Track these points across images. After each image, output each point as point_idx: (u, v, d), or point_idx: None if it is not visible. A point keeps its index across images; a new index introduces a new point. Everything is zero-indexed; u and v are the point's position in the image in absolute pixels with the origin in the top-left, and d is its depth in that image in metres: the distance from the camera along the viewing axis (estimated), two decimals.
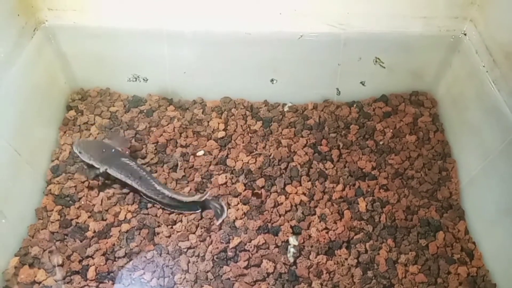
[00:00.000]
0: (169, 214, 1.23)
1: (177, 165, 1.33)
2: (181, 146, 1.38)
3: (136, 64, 1.45)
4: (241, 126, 1.43)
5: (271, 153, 1.36)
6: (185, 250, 1.16)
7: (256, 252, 1.16)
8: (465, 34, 1.32)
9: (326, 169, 1.33)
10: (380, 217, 1.23)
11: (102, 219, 1.22)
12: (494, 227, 1.16)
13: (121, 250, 1.15)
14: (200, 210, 1.23)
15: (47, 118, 1.38)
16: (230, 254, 1.15)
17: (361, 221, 1.22)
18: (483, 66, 1.23)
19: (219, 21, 1.33)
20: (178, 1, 1.30)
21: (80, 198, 1.26)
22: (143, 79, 1.47)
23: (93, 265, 1.13)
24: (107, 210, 1.23)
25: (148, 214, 1.23)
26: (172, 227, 1.21)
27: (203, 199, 1.19)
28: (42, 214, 1.22)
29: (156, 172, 1.32)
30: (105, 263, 1.13)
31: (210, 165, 1.33)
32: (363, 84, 1.46)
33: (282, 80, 1.47)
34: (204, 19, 1.33)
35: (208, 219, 1.22)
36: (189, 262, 1.14)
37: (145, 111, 1.46)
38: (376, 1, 1.29)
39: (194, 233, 1.19)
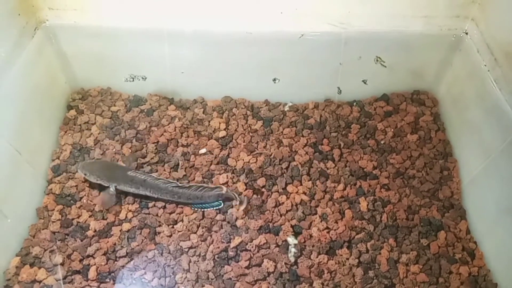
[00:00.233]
0: (170, 214, 1.23)
1: (178, 164, 1.33)
2: (182, 145, 1.38)
3: (136, 64, 1.45)
4: (242, 125, 1.43)
5: (272, 153, 1.35)
6: (186, 249, 1.16)
7: (257, 251, 1.16)
8: (466, 33, 1.32)
9: (327, 168, 1.33)
10: (381, 217, 1.23)
11: (103, 219, 1.22)
12: (496, 227, 1.16)
13: (122, 250, 1.15)
14: (221, 205, 1.22)
15: (47, 117, 1.38)
16: (231, 253, 1.15)
17: (362, 220, 1.22)
18: (485, 65, 1.23)
19: (219, 20, 1.33)
20: (179, 1, 1.30)
21: (81, 198, 1.26)
22: (142, 78, 1.47)
23: (94, 264, 1.13)
24: (107, 210, 1.23)
25: (149, 213, 1.23)
26: (173, 227, 1.20)
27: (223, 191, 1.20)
28: (43, 214, 1.22)
29: (157, 171, 1.31)
30: (106, 263, 1.13)
31: (211, 165, 1.33)
32: (365, 83, 1.46)
33: (283, 79, 1.47)
34: (205, 19, 1.33)
35: (209, 218, 1.22)
36: (190, 261, 1.14)
37: (145, 110, 1.46)
38: (377, 0, 1.29)
39: (195, 232, 1.19)
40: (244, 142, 1.39)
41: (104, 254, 1.15)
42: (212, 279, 1.12)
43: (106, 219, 1.22)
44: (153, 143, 1.37)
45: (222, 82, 1.48)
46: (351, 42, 1.36)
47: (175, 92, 1.50)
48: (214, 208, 1.22)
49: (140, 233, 1.19)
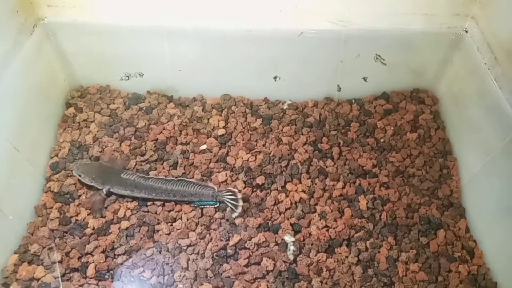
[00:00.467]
0: (169, 212, 1.23)
1: (177, 162, 1.33)
2: (181, 143, 1.37)
3: (136, 62, 1.44)
4: (241, 123, 1.43)
5: (271, 151, 1.35)
6: (185, 247, 1.16)
7: (256, 250, 1.16)
8: (466, 32, 1.32)
9: (326, 166, 1.32)
10: (380, 215, 1.22)
11: (102, 216, 1.22)
12: (495, 225, 1.15)
13: (120, 248, 1.15)
14: (217, 205, 1.22)
15: (46, 115, 1.37)
16: (230, 251, 1.15)
17: (362, 219, 1.22)
18: (485, 64, 1.22)
19: (219, 18, 1.33)
20: None
21: (79, 196, 1.26)
22: (139, 74, 1.47)
23: (93, 262, 1.12)
24: (106, 207, 1.23)
25: (148, 211, 1.23)
26: (172, 225, 1.20)
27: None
28: (41, 212, 1.22)
29: (156, 169, 1.31)
30: (105, 261, 1.13)
31: (210, 163, 1.33)
32: (365, 80, 1.45)
33: (283, 77, 1.46)
34: (205, 16, 1.33)
35: (208, 216, 1.21)
36: (188, 259, 1.14)
37: (144, 108, 1.46)
38: None
39: (194, 230, 1.19)
40: (243, 140, 1.38)
41: (103, 252, 1.14)
42: (210, 277, 1.12)
43: (104, 217, 1.21)
44: (152, 140, 1.37)
45: (222, 80, 1.47)
46: (351, 40, 1.35)
47: (174, 90, 1.50)
48: (210, 206, 1.22)
49: (139, 231, 1.19)
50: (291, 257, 1.15)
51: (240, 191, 1.22)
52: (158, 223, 1.20)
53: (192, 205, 1.23)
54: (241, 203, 1.20)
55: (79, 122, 1.41)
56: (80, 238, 1.17)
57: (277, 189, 1.27)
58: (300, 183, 1.29)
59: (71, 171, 1.29)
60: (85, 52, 1.41)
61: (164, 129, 1.40)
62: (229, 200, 1.20)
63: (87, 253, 1.14)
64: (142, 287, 1.10)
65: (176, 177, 1.27)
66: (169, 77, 1.47)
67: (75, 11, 1.32)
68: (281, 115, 1.45)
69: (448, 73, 1.41)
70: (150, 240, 1.17)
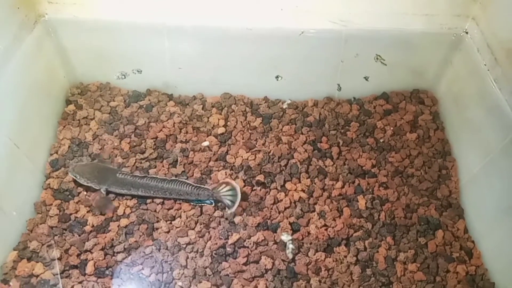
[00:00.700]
0: (168, 210, 1.23)
1: (176, 160, 1.33)
2: (181, 141, 1.37)
3: (136, 59, 1.44)
4: (241, 122, 1.43)
5: (270, 150, 1.35)
6: (184, 245, 1.16)
7: (255, 248, 1.16)
8: (466, 32, 1.32)
9: (326, 166, 1.33)
10: (379, 215, 1.23)
11: (101, 214, 1.22)
12: (494, 226, 1.16)
13: (120, 245, 1.15)
14: (213, 204, 1.23)
15: (46, 112, 1.37)
16: (229, 250, 1.15)
17: (361, 218, 1.22)
18: (485, 65, 1.22)
19: (220, 16, 1.33)
20: None
21: (79, 193, 1.26)
22: (138, 71, 1.46)
23: (92, 259, 1.12)
24: (102, 213, 1.23)
25: (147, 209, 1.23)
26: (171, 223, 1.20)
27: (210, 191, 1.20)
28: (41, 209, 1.22)
29: (155, 167, 1.31)
30: (104, 258, 1.13)
31: (209, 161, 1.33)
32: (366, 79, 1.45)
33: (283, 76, 1.46)
34: (205, 14, 1.33)
35: (208, 215, 1.22)
36: (187, 257, 1.14)
37: (145, 106, 1.46)
38: None
39: (193, 229, 1.19)
40: (243, 139, 1.38)
41: (102, 249, 1.15)
42: (209, 275, 1.12)
43: (104, 215, 1.21)
44: (152, 138, 1.37)
45: (222, 78, 1.47)
46: (351, 39, 1.35)
47: (174, 88, 1.50)
48: (207, 204, 1.23)
49: (138, 229, 1.19)
50: (290, 256, 1.15)
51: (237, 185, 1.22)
52: (158, 221, 1.20)
53: (192, 203, 1.24)
54: (239, 198, 1.19)
55: (79, 119, 1.41)
56: (79, 235, 1.17)
57: (276, 188, 1.28)
58: (300, 182, 1.29)
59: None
60: (85, 49, 1.41)
61: (164, 127, 1.40)
62: (226, 196, 1.20)
63: (86, 251, 1.14)
64: (141, 284, 1.10)
65: (171, 178, 1.27)
66: (170, 75, 1.47)
67: (76, 8, 1.32)
68: (281, 114, 1.46)
69: (448, 74, 1.41)
70: (149, 238, 1.17)
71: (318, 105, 1.48)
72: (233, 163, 1.32)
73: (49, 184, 1.27)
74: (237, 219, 1.20)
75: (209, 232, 1.19)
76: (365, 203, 1.24)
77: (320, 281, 1.12)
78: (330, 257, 1.15)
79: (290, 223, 1.20)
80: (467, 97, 1.32)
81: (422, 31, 1.34)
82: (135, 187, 1.22)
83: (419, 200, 1.26)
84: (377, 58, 1.41)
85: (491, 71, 1.20)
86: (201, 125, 1.42)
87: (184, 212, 1.22)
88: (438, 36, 1.35)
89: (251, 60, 1.42)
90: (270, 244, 1.17)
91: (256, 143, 1.37)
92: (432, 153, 1.37)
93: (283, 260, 1.14)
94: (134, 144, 1.35)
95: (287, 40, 1.36)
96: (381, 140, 1.39)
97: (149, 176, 1.24)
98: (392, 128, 1.41)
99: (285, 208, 1.24)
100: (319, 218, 1.22)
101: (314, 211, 1.24)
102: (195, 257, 1.15)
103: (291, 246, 1.16)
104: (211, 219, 1.21)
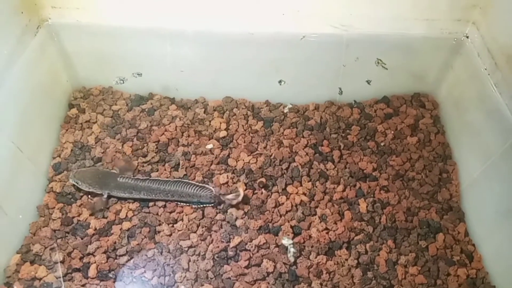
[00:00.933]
0: (170, 213, 1.23)
1: (178, 164, 1.34)
2: (183, 145, 1.38)
3: (138, 63, 1.45)
4: (243, 126, 1.43)
5: (272, 153, 1.36)
6: (186, 249, 1.17)
7: (257, 251, 1.16)
8: (467, 37, 1.33)
9: (327, 169, 1.33)
10: (380, 218, 1.23)
11: (103, 217, 1.22)
12: (494, 230, 1.16)
13: (122, 248, 1.16)
14: (214, 204, 1.23)
15: (49, 115, 1.38)
16: (230, 253, 1.16)
17: (362, 222, 1.23)
18: (485, 69, 1.23)
19: (221, 20, 1.34)
20: (181, 1, 1.30)
21: (81, 196, 1.26)
22: (138, 74, 1.47)
23: (94, 262, 1.13)
24: (108, 208, 1.24)
25: (149, 212, 1.24)
26: (173, 226, 1.21)
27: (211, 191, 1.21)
28: (43, 212, 1.22)
29: (157, 170, 1.32)
30: (106, 261, 1.14)
31: (211, 165, 1.34)
32: (369, 83, 1.46)
33: (285, 80, 1.47)
34: (207, 19, 1.33)
35: (209, 218, 1.22)
36: (189, 261, 1.15)
37: (147, 110, 1.47)
38: (379, 2, 1.29)
39: (195, 232, 1.19)
40: (244, 142, 1.39)
41: (104, 252, 1.15)
42: (211, 278, 1.12)
43: (106, 218, 1.22)
44: (154, 142, 1.38)
45: (223, 82, 1.48)
46: (352, 44, 1.36)
47: (176, 91, 1.51)
48: (208, 205, 1.24)
49: (140, 232, 1.19)
50: (291, 259, 1.15)
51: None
52: (160, 224, 1.21)
53: (193, 206, 1.24)
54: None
55: (81, 123, 1.42)
56: (82, 239, 1.18)
57: (277, 192, 1.28)
58: (301, 185, 1.30)
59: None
60: (88, 53, 1.42)
61: (166, 130, 1.41)
62: (228, 195, 1.22)
63: (88, 254, 1.15)
64: (143, 287, 1.11)
65: (174, 178, 1.28)
66: (172, 79, 1.48)
67: (79, 12, 1.33)
68: (282, 118, 1.46)
69: (449, 78, 1.42)
70: (152, 241, 1.18)
71: (319, 109, 1.49)
72: (235, 166, 1.33)
73: (52, 187, 1.27)
74: (238, 222, 1.21)
75: (211, 235, 1.19)
76: (366, 207, 1.25)
77: (321, 284, 1.12)
78: (331, 260, 1.16)
79: (291, 227, 1.21)
80: (467, 101, 1.32)
81: (423, 36, 1.34)
82: (137, 190, 1.22)
83: (420, 204, 1.27)
84: (378, 62, 1.41)
85: (492, 76, 1.21)
86: (203, 128, 1.42)
87: (186, 215, 1.23)
88: (439, 41, 1.35)
89: (252, 64, 1.43)
90: (271, 247, 1.18)
91: (257, 147, 1.38)
92: (433, 156, 1.37)
93: (284, 263, 1.15)
94: (136, 147, 1.36)
95: (289, 45, 1.37)
96: (382, 144, 1.40)
97: (150, 178, 1.25)
98: (393, 132, 1.42)
99: (287, 212, 1.24)
100: (320, 222, 1.22)
101: (315, 214, 1.24)
102: (197, 260, 1.15)
103: (292, 249, 1.17)
104: (213, 222, 1.21)
